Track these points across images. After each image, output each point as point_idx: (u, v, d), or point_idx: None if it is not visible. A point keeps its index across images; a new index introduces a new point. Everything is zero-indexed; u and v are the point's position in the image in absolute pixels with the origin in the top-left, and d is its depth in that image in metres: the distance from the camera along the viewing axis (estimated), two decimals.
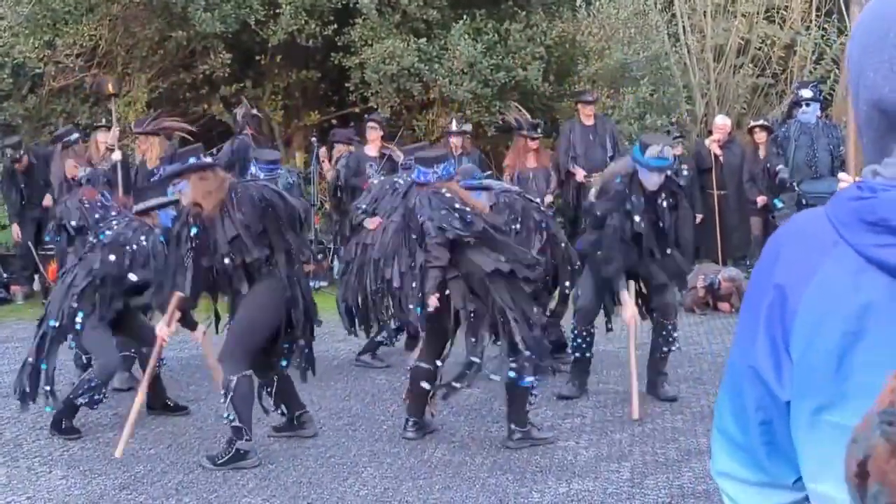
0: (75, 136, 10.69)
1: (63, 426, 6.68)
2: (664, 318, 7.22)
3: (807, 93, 10.70)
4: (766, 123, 12.10)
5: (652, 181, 6.85)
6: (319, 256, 12.59)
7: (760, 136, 12.02)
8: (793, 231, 1.37)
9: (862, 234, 1.25)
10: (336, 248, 11.47)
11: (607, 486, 5.51)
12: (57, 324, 6.60)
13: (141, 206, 7.27)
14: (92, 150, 10.69)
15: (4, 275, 12.32)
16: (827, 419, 1.26)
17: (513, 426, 6.21)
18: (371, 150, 10.73)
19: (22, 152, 11.54)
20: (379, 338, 8.36)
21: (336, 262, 12.21)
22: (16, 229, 11.83)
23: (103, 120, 11.72)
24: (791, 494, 1.37)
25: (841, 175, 3.08)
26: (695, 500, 5.26)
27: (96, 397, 6.64)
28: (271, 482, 5.68)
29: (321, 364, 8.47)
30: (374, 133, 11.12)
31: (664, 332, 7.23)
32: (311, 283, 8.33)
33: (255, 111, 9.91)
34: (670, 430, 6.53)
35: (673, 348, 7.28)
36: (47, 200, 11.15)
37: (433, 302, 6.03)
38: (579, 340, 7.32)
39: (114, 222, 7.04)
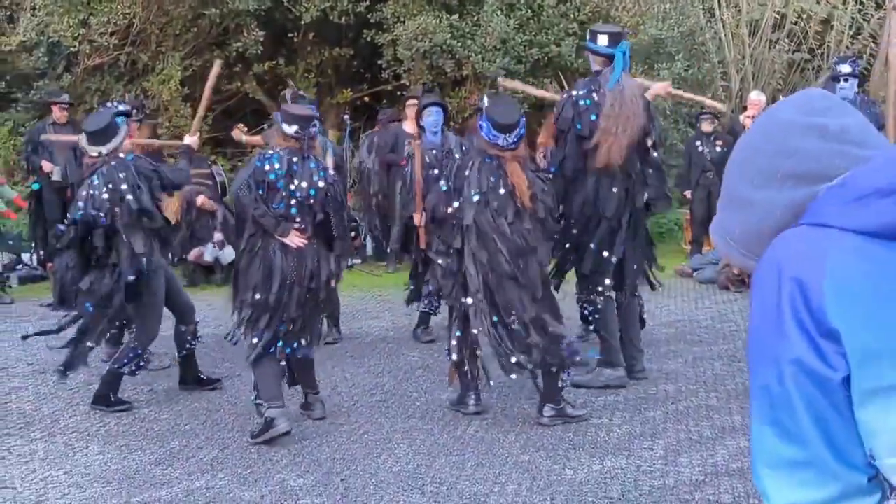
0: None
1: (112, 400, 6.70)
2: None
3: (846, 68, 10.56)
4: None
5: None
6: (352, 234, 12.59)
7: None
8: (783, 244, 1.42)
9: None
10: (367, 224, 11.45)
11: (640, 464, 5.50)
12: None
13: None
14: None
15: (41, 252, 12.36)
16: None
17: (547, 404, 6.19)
18: (409, 126, 10.71)
19: None
20: (423, 308, 8.42)
21: (369, 240, 12.22)
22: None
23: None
24: (867, 500, 1.35)
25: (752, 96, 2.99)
26: (729, 478, 5.24)
27: (141, 364, 6.71)
28: (305, 458, 5.71)
29: (354, 341, 8.54)
30: (413, 111, 11.10)
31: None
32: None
33: (301, 92, 10.03)
34: (704, 407, 6.50)
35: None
36: None
37: None
38: (587, 309, 7.02)
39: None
